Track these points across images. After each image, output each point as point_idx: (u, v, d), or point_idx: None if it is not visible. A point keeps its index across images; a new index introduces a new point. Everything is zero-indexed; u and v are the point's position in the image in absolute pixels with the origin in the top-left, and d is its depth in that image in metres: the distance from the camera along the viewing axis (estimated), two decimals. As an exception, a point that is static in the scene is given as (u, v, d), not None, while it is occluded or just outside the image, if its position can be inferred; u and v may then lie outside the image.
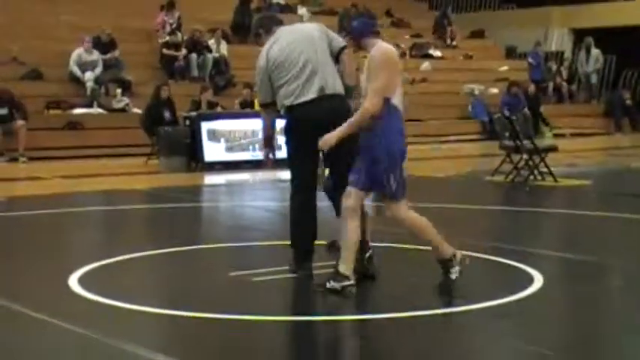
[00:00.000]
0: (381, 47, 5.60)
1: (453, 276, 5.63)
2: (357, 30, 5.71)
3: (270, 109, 6.18)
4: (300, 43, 6.03)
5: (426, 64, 22.39)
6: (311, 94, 5.92)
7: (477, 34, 25.46)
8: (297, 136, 6.00)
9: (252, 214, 9.63)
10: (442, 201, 10.34)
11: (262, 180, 12.45)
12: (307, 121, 5.89)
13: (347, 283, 5.52)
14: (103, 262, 6.57)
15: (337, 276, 5.54)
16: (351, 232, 5.60)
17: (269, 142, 6.29)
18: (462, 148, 18.20)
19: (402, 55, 22.03)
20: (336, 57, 6.09)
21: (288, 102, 5.99)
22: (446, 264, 5.68)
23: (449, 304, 5.34)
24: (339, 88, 6.05)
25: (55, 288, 5.82)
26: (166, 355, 4.43)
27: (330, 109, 5.93)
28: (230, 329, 5.02)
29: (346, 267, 5.56)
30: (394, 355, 4.62)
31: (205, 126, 14.18)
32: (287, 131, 6.05)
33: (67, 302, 5.49)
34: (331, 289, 5.49)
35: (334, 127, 5.81)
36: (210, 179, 13.16)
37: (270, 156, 6.33)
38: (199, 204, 10.49)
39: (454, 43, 24.36)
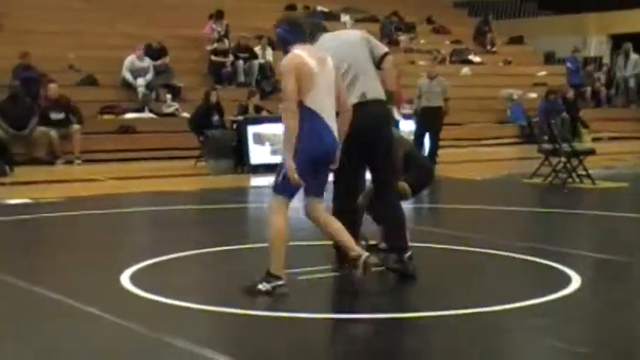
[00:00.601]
0: (286, 57, 5.50)
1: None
2: (282, 39, 5.62)
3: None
4: (342, 49, 6.00)
5: (465, 70, 22.25)
6: (353, 99, 5.87)
7: (516, 40, 25.25)
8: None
9: (295, 214, 9.62)
10: (481, 203, 10.28)
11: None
12: (350, 127, 5.82)
13: (278, 283, 5.43)
14: (154, 261, 6.62)
15: (268, 277, 5.44)
16: (273, 231, 5.46)
17: None
18: (501, 151, 18.04)
19: (442, 60, 21.95)
20: (378, 63, 6.08)
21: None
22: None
23: (487, 304, 5.28)
24: (380, 93, 6.03)
25: (108, 285, 5.88)
26: (213, 350, 4.44)
27: (371, 113, 5.92)
28: (275, 326, 5.03)
29: (275, 267, 5.45)
30: (433, 353, 4.59)
31: (251, 130, 14.24)
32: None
33: (119, 298, 5.54)
34: (263, 290, 5.40)
35: (376, 132, 5.89)
36: (256, 181, 13.21)
37: None
38: (245, 205, 10.54)
39: (493, 49, 24.18)
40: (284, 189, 5.48)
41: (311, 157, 5.42)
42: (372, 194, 6.63)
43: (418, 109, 14.80)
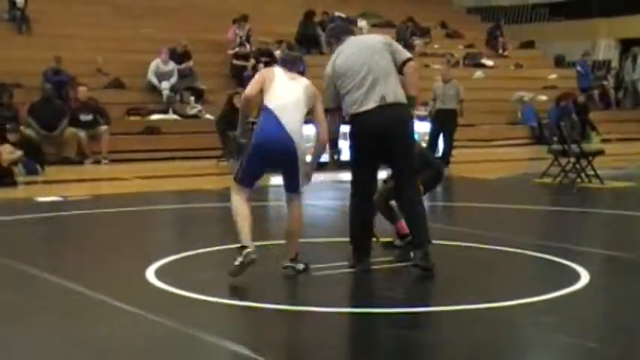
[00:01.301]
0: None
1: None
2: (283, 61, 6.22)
3: (334, 113, 6.12)
4: (363, 53, 6.00)
5: (478, 73, 22.19)
6: (372, 103, 5.89)
7: (527, 45, 25.15)
8: (359, 142, 6.02)
9: (313, 212, 9.62)
10: (492, 201, 10.25)
11: (323, 181, 12.47)
12: (368, 129, 5.90)
13: (245, 251, 5.63)
14: (178, 256, 6.66)
15: (237, 250, 5.69)
16: (233, 210, 5.86)
17: (333, 145, 6.21)
18: (512, 151, 17.97)
19: (456, 64, 21.89)
20: (400, 68, 6.04)
21: (352, 110, 5.98)
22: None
23: (498, 299, 5.26)
24: (400, 97, 5.98)
25: (134, 279, 5.91)
26: (235, 342, 4.46)
27: (390, 117, 5.92)
28: (295, 320, 5.04)
29: (241, 238, 5.73)
30: (445, 348, 4.58)
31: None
32: (351, 137, 6.07)
33: (145, 293, 5.56)
34: (237, 263, 5.61)
35: (394, 134, 5.92)
36: (276, 180, 13.20)
37: (335, 157, 6.27)
38: (265, 203, 10.53)
39: (505, 53, 24.09)
40: (240, 178, 5.92)
41: (254, 143, 5.86)
42: (386, 193, 6.65)
43: (433, 111, 14.81)
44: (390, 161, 6.11)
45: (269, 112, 5.86)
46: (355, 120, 5.99)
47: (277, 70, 6.06)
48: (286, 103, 5.85)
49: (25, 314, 5.14)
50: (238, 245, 5.75)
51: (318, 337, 4.71)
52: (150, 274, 5.98)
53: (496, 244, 7.08)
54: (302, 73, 6.11)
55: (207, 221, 9.27)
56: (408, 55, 6.11)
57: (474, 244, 7.15)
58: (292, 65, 6.09)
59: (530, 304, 5.18)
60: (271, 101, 5.87)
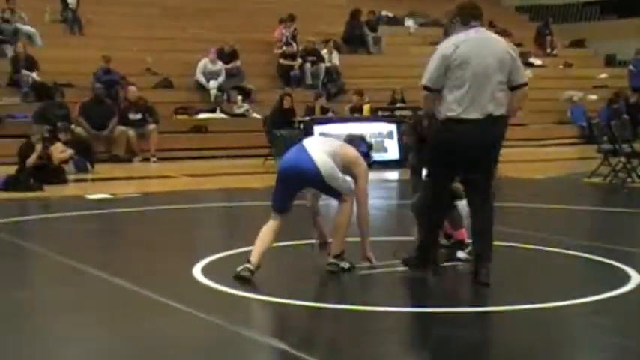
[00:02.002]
0: None
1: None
2: None
3: (431, 95, 5.55)
4: (485, 56, 5.48)
5: (527, 72, 21.86)
6: (477, 113, 5.43)
7: (577, 44, 24.77)
8: (448, 152, 5.56)
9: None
10: (541, 202, 10.12)
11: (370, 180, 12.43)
12: (467, 141, 5.46)
13: (245, 265, 5.75)
14: (224, 254, 6.69)
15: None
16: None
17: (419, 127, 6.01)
18: (561, 151, 17.73)
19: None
20: (511, 88, 5.56)
21: (451, 113, 5.47)
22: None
23: (548, 300, 5.18)
24: (505, 111, 5.53)
25: (181, 277, 5.95)
26: (279, 340, 4.46)
27: (492, 132, 5.52)
28: (338, 318, 5.02)
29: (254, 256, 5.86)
30: (494, 347, 4.53)
31: (318, 130, 14.25)
32: (440, 140, 5.63)
33: (192, 290, 5.60)
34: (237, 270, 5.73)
35: (488, 150, 5.57)
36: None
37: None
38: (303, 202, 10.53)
39: (554, 52, 23.77)
40: (272, 206, 6.03)
41: (281, 170, 6.02)
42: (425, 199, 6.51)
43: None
44: (469, 172, 5.65)
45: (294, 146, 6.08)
46: (451, 126, 5.48)
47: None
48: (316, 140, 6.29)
49: (75, 310, 5.21)
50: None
51: (359, 335, 4.69)
52: (197, 271, 6.02)
53: (545, 245, 6.99)
54: (364, 155, 6.12)
55: (253, 219, 9.28)
56: (525, 79, 5.65)
57: (523, 245, 7.06)
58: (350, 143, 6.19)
59: (581, 304, 5.09)
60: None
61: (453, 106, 5.46)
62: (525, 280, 5.97)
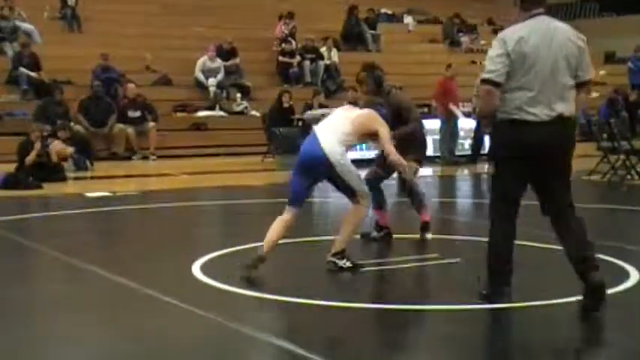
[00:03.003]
0: None
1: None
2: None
3: (496, 91, 4.82)
4: (555, 49, 4.82)
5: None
6: (543, 115, 4.77)
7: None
8: (517, 157, 4.86)
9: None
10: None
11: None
12: (536, 144, 4.79)
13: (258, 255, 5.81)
14: (223, 252, 6.69)
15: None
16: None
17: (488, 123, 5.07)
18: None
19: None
20: (578, 84, 4.92)
21: (515, 114, 4.81)
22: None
23: (548, 297, 5.19)
24: (573, 110, 4.90)
25: (181, 274, 5.95)
26: (278, 338, 4.46)
27: (565, 134, 4.88)
28: (338, 315, 5.02)
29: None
30: (498, 345, 4.53)
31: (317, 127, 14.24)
32: (502, 148, 4.94)
33: (191, 288, 5.60)
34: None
35: (562, 155, 4.93)
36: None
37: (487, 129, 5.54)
38: (311, 199, 10.54)
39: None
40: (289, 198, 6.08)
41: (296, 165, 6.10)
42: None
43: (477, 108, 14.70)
44: (542, 181, 5.01)
45: (309, 134, 6.09)
46: (516, 128, 4.81)
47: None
48: (327, 124, 6.08)
49: (74, 308, 5.21)
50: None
51: (363, 334, 4.69)
52: (196, 269, 6.02)
53: (544, 242, 6.98)
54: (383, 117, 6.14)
55: (253, 217, 9.30)
56: (591, 75, 4.99)
57: (522, 242, 7.06)
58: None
59: (579, 302, 5.09)
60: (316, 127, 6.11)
61: (518, 110, 4.80)
62: (523, 278, 5.96)
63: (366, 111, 6.15)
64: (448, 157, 14.68)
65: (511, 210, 5.04)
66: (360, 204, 6.02)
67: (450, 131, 14.78)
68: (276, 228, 5.91)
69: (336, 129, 5.98)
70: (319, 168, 5.91)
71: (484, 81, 4.85)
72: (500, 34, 4.93)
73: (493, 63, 4.82)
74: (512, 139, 4.85)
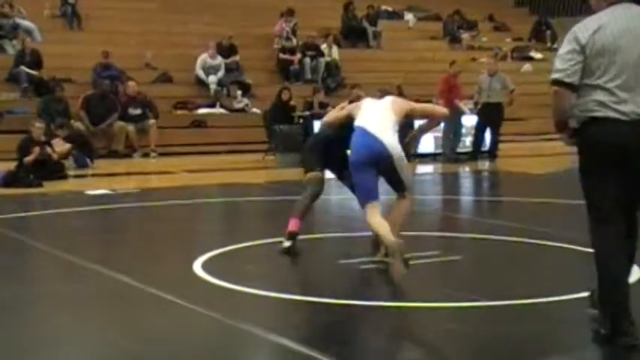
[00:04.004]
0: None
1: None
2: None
3: (566, 92, 4.30)
4: (637, 37, 4.22)
5: (527, 66, 21.92)
6: (632, 114, 4.17)
7: (578, 37, 24.74)
8: (599, 157, 4.26)
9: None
10: (541, 196, 10.12)
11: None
12: (618, 144, 4.18)
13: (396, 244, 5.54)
14: (225, 249, 6.69)
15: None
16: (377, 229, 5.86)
17: (563, 126, 4.48)
18: (561, 146, 17.64)
19: (504, 57, 21.65)
20: None
21: (599, 112, 4.22)
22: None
23: (547, 294, 5.19)
24: None
25: (182, 272, 5.95)
26: (279, 335, 4.47)
27: None
28: (338, 313, 5.03)
29: (387, 238, 5.68)
30: (500, 342, 4.54)
31: (317, 125, 14.24)
32: (589, 147, 4.31)
33: (193, 286, 5.60)
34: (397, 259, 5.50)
35: None
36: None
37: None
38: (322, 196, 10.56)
39: (555, 45, 23.74)
40: (361, 198, 5.99)
41: (355, 160, 6.02)
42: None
43: (479, 105, 14.75)
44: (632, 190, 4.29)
45: (359, 129, 6.07)
46: (599, 127, 4.23)
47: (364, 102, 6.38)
48: (368, 117, 6.12)
49: (76, 306, 5.21)
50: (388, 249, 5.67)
51: (361, 331, 4.70)
52: (197, 267, 6.03)
53: (545, 239, 6.99)
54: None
55: (253, 215, 9.32)
56: None
57: (522, 239, 7.07)
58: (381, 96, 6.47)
59: (580, 299, 5.10)
60: (359, 121, 6.13)
61: (601, 108, 4.23)
62: (525, 275, 5.98)
63: (389, 97, 6.44)
64: (449, 155, 14.69)
65: (611, 228, 4.25)
66: (406, 198, 6.13)
67: (452, 128, 14.74)
68: (382, 221, 5.84)
69: (385, 122, 6.08)
70: (381, 163, 5.96)
71: (553, 82, 4.32)
72: (574, 27, 4.33)
73: (562, 61, 4.30)
74: (597, 141, 4.23)
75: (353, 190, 6.42)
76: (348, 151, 6.18)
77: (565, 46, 4.34)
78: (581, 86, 4.26)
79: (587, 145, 4.30)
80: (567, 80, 4.28)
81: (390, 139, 6.01)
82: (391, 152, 5.96)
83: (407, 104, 6.36)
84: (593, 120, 4.24)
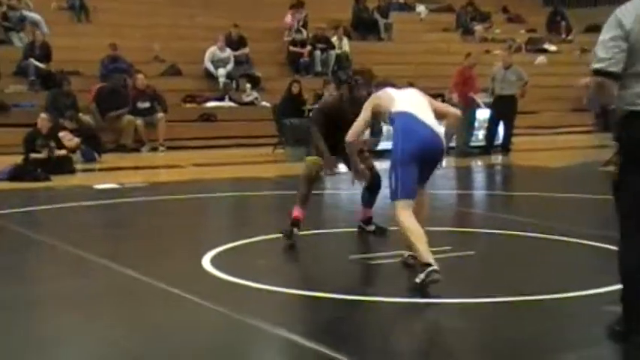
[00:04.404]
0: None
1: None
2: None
3: (608, 82, 4.02)
4: None
5: (541, 58, 21.83)
6: None
7: (593, 29, 24.58)
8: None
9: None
10: (555, 190, 10.10)
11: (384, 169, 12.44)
12: None
13: (429, 269, 5.17)
14: (234, 244, 6.71)
15: (421, 268, 5.23)
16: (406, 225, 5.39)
17: (602, 113, 4.43)
18: (576, 139, 17.67)
19: (518, 49, 21.57)
20: None
21: (634, 106, 4.03)
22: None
23: (560, 290, 5.19)
24: None
25: (191, 267, 5.97)
26: (288, 330, 4.49)
27: None
28: (347, 309, 5.04)
29: (423, 255, 5.26)
30: (510, 338, 4.54)
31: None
32: (631, 142, 4.11)
33: (202, 281, 5.62)
34: (418, 282, 5.18)
35: None
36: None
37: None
38: (322, 191, 10.56)
39: (569, 37, 23.64)
40: (399, 193, 5.44)
41: (408, 148, 5.49)
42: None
43: (493, 97, 14.69)
44: None
45: (407, 115, 5.56)
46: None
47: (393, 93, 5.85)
48: (424, 111, 5.66)
49: (85, 301, 5.24)
50: (422, 262, 5.26)
51: (371, 327, 4.72)
52: (206, 262, 6.05)
53: (559, 235, 6.99)
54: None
55: (263, 209, 9.33)
56: None
57: (536, 235, 7.06)
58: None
59: (594, 295, 5.10)
60: (401, 107, 5.62)
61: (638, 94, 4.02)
62: (538, 270, 5.97)
63: (412, 88, 6.20)
64: (463, 148, 14.59)
65: None
66: (426, 194, 5.87)
67: (466, 122, 14.65)
68: (418, 227, 5.39)
69: (430, 112, 5.68)
70: (437, 158, 5.62)
71: (596, 72, 4.03)
72: (616, 11, 4.10)
73: (605, 49, 4.01)
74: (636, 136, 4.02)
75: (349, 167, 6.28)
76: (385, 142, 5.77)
77: (607, 32, 4.07)
78: (624, 76, 3.99)
79: (629, 140, 4.07)
80: (611, 70, 4.00)
81: (442, 135, 5.62)
82: (444, 146, 5.61)
83: (429, 98, 5.94)
84: (635, 114, 4.01)
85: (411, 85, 17.11)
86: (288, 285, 5.44)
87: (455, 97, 14.92)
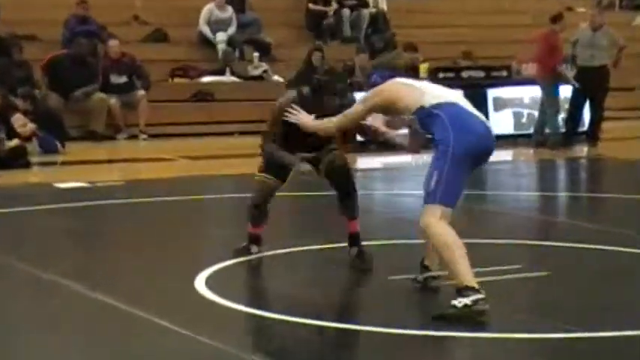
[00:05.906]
0: None
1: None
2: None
3: None
4: None
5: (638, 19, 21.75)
6: None
7: None
8: None
9: (411, 204, 9.63)
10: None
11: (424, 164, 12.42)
12: None
13: (477, 297, 5.20)
14: (234, 261, 6.75)
15: (462, 291, 5.25)
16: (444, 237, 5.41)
17: None
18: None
19: (610, 6, 21.44)
20: None
21: None
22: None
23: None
24: None
25: (180, 290, 6.02)
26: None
27: None
28: (384, 345, 5.05)
29: (464, 277, 5.28)
30: None
31: (358, 97, 14.25)
32: None
33: (193, 308, 5.67)
34: (459, 305, 5.19)
35: None
36: (361, 162, 13.18)
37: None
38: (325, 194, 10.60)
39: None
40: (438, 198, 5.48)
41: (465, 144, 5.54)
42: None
43: (575, 69, 14.49)
44: None
45: (457, 107, 5.65)
46: None
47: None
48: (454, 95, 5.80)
49: (45, 333, 5.28)
50: (463, 286, 5.29)
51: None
52: (200, 282, 6.09)
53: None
54: None
55: (271, 215, 9.34)
56: None
57: (632, 250, 7.06)
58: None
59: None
60: (440, 98, 5.69)
61: None
62: (629, 297, 5.97)
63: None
64: (555, 138, 14.36)
65: None
66: None
67: (552, 101, 14.48)
68: (458, 241, 5.37)
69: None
70: (486, 159, 5.76)
71: None
72: None
73: None
74: None
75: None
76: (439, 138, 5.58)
77: None
78: None
79: None
80: None
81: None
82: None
83: None
84: None
85: (467, 55, 17.16)
86: (303, 314, 5.42)
87: (531, 68, 14.74)
